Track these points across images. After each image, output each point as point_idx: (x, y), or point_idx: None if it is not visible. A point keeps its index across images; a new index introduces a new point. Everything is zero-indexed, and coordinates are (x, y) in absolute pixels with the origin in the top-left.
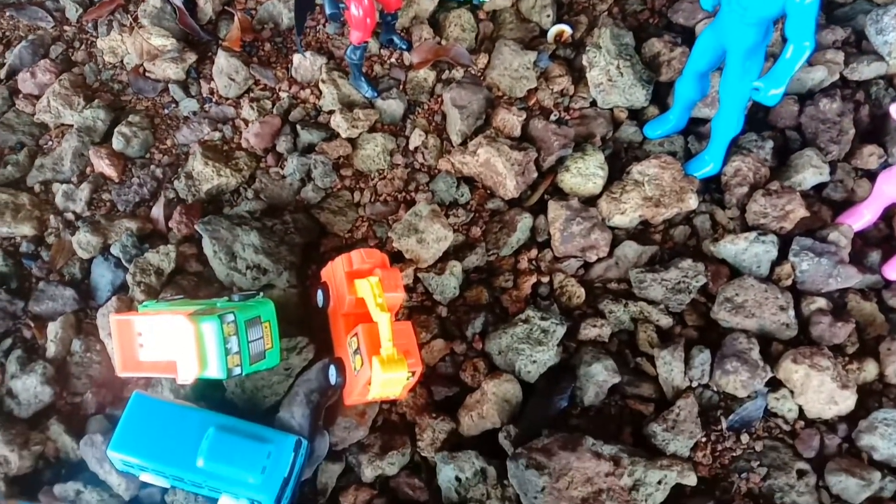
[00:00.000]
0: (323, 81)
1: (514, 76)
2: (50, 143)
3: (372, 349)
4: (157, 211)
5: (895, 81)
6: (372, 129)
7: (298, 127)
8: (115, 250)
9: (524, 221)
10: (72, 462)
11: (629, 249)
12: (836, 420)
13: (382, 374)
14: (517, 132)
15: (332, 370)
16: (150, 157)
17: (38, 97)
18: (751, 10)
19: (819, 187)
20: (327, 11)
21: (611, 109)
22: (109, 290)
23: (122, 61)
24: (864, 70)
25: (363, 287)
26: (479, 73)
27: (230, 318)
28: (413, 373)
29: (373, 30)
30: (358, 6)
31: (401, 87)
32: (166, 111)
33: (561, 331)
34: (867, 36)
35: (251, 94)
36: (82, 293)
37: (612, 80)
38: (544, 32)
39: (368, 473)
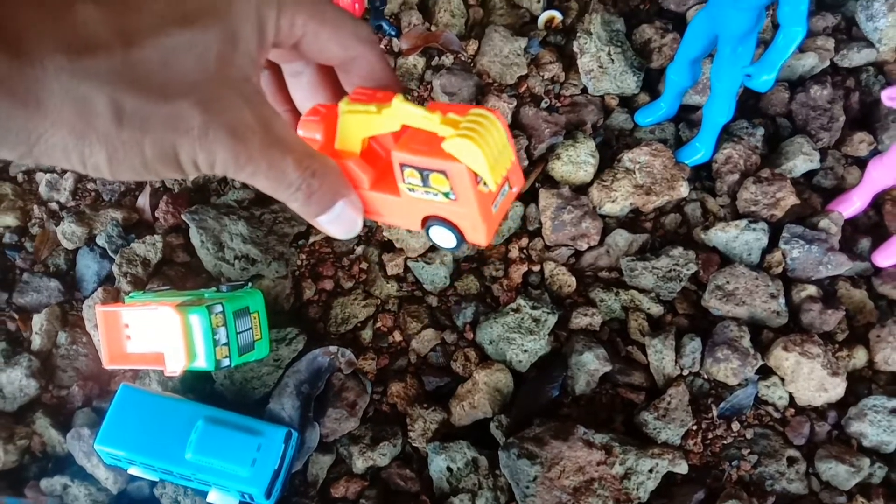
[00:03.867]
0: None
1: (504, 63)
2: None
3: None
4: (143, 200)
5: (885, 68)
6: None
7: None
8: (101, 241)
9: (514, 210)
10: (58, 456)
11: (620, 238)
12: (825, 407)
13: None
14: (508, 119)
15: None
16: None
17: None
18: None
19: (810, 174)
20: None
21: (602, 96)
22: (95, 282)
23: None
24: (855, 57)
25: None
26: (470, 60)
27: (218, 308)
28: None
29: (361, 16)
30: None
31: None
32: None
33: (552, 320)
34: (857, 22)
35: None
36: (67, 284)
37: (602, 67)
38: (535, 18)
39: (360, 465)
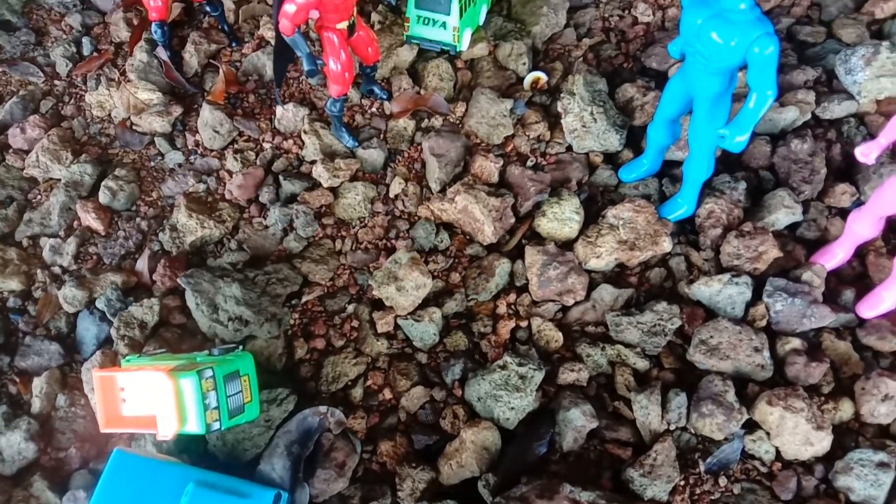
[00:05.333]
0: (305, 132)
1: (491, 123)
2: (38, 197)
3: None
4: (142, 264)
5: (866, 119)
6: (353, 178)
7: (281, 177)
8: (101, 304)
9: (502, 266)
10: None
11: (605, 293)
12: (812, 461)
13: None
14: (495, 178)
15: None
16: (136, 210)
17: (27, 152)
18: (713, 60)
19: (793, 226)
20: (305, 68)
21: (586, 154)
22: (94, 344)
23: (109, 115)
24: (836, 109)
25: None
26: (458, 121)
27: (208, 373)
28: None
29: (352, 83)
30: (336, 61)
31: (381, 136)
32: (152, 164)
33: (539, 376)
34: (837, 75)
35: (235, 146)
36: (68, 347)
37: (586, 126)
38: (521, 80)
39: None
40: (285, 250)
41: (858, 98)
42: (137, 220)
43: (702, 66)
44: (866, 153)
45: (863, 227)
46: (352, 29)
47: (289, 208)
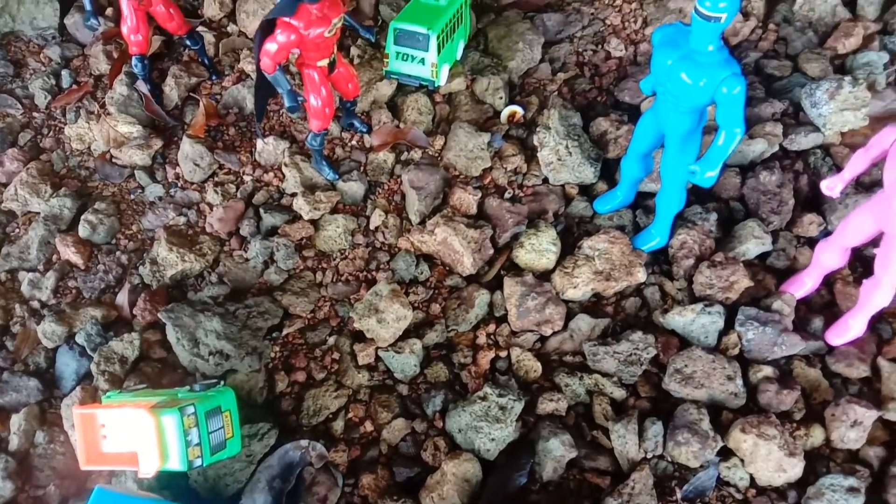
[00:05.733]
0: (286, 165)
1: (469, 157)
2: (17, 230)
3: None
4: (122, 298)
5: (832, 150)
6: (334, 211)
7: (262, 210)
8: (80, 339)
9: (482, 297)
10: None
11: (583, 322)
12: (786, 487)
13: None
14: (473, 210)
15: None
16: (116, 244)
17: (5, 185)
18: (683, 99)
19: (763, 256)
20: (286, 104)
21: (562, 186)
22: (74, 380)
23: (89, 148)
24: (802, 140)
25: None
26: (437, 154)
27: (190, 410)
28: None
29: (332, 118)
30: (317, 98)
31: (361, 168)
32: (132, 197)
33: (518, 407)
34: (803, 108)
35: (216, 179)
36: (47, 383)
37: (561, 160)
38: (498, 113)
39: None
40: (266, 283)
41: (824, 130)
42: (117, 253)
43: (672, 104)
44: (831, 187)
45: (829, 257)
46: (332, 66)
47: (269, 241)
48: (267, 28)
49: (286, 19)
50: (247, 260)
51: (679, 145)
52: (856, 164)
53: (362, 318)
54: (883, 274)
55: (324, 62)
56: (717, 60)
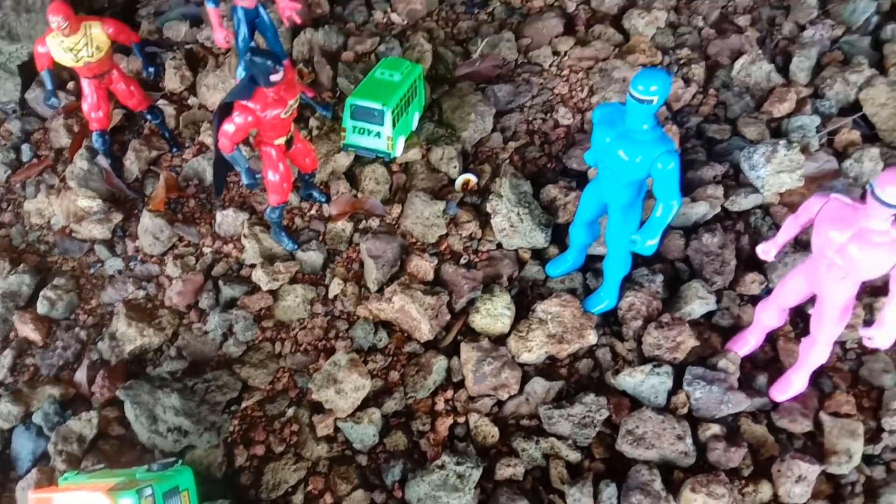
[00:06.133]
0: (245, 236)
1: (425, 224)
2: None
3: None
4: (81, 375)
5: (771, 210)
6: (292, 281)
7: (221, 282)
8: (38, 418)
9: (439, 363)
10: None
11: (538, 385)
12: None
13: None
14: (430, 277)
15: None
16: (75, 319)
17: None
18: (621, 174)
19: (709, 315)
20: (244, 182)
21: (515, 251)
22: (30, 461)
23: (49, 222)
24: (743, 202)
25: None
26: (394, 222)
27: (148, 491)
28: None
29: (290, 192)
30: (275, 173)
31: (320, 238)
32: (92, 271)
33: (476, 474)
34: (742, 170)
35: (175, 251)
36: (2, 465)
37: (513, 226)
38: (452, 181)
39: None
40: (225, 355)
41: (763, 191)
42: (76, 329)
43: (612, 178)
44: (766, 251)
45: (769, 316)
46: (289, 143)
47: (228, 313)
48: (224, 110)
49: (243, 102)
50: (206, 333)
51: (621, 215)
52: (787, 230)
53: (321, 388)
54: (818, 333)
55: (281, 140)
56: (651, 139)
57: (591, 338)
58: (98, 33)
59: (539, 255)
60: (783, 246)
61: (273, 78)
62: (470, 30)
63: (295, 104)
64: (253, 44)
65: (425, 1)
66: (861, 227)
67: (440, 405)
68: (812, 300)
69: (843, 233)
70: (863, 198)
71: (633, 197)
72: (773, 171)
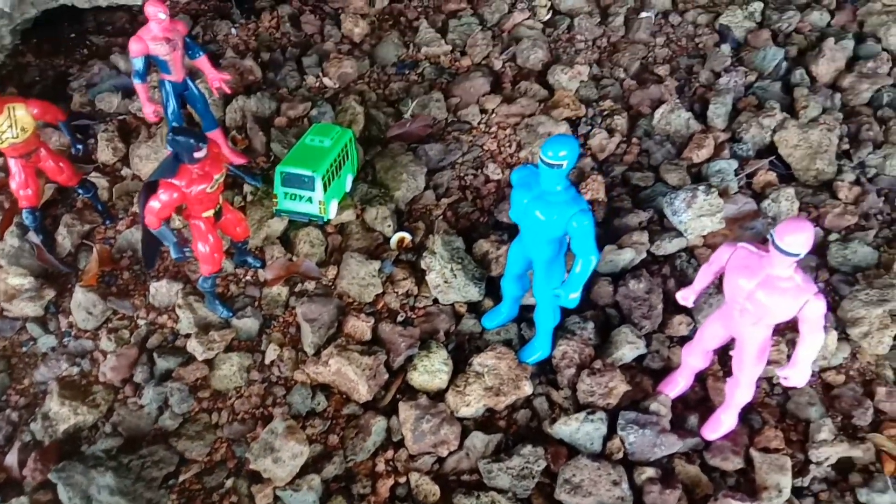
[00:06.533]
0: (179, 306)
1: (361, 284)
2: None
3: None
4: (12, 458)
5: (695, 252)
6: (228, 349)
7: (155, 355)
8: None
9: (378, 424)
10: None
11: (477, 440)
12: None
13: None
14: (367, 336)
15: None
16: (7, 401)
17: None
18: (540, 233)
19: (640, 358)
20: (173, 256)
21: (452, 305)
22: None
23: None
24: (668, 246)
25: None
26: (330, 283)
27: None
28: None
29: (222, 261)
30: (205, 245)
31: (256, 303)
32: (24, 349)
33: None
34: (666, 216)
35: (109, 325)
36: None
37: (448, 282)
38: (387, 240)
39: None
40: (161, 429)
41: (686, 235)
42: (8, 411)
43: (532, 236)
44: (685, 298)
45: (695, 359)
46: (218, 214)
47: (163, 386)
48: (150, 188)
49: (168, 180)
50: (141, 407)
51: (545, 270)
52: (702, 278)
53: (258, 458)
54: (740, 374)
55: (209, 213)
56: (565, 199)
57: (527, 388)
58: (22, 115)
59: (475, 308)
60: (700, 293)
61: (197, 155)
62: (401, 90)
63: (221, 178)
64: (182, 117)
65: (356, 64)
66: (767, 275)
67: (381, 466)
68: (733, 341)
69: (751, 280)
70: (766, 243)
71: (555, 252)
72: (694, 216)
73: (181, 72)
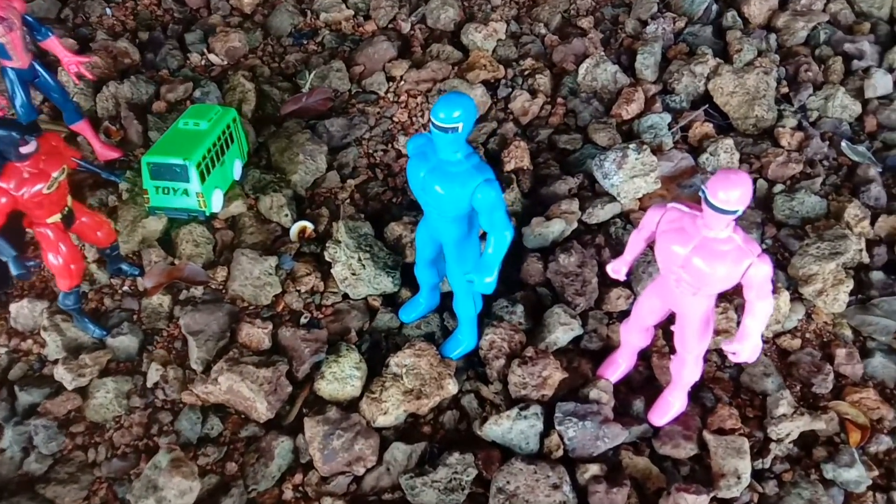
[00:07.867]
0: (45, 328)
1: (256, 284)
2: None
3: None
4: None
5: (632, 217)
6: (103, 373)
7: (17, 387)
8: None
9: (283, 445)
10: None
11: (398, 452)
12: None
13: None
14: (266, 344)
15: None
16: None
17: None
18: (443, 210)
19: (577, 340)
20: (13, 273)
21: (364, 299)
22: None
23: None
24: (600, 213)
25: None
26: (221, 287)
27: None
28: None
29: (82, 273)
30: (56, 255)
31: (135, 318)
32: None
33: None
34: (597, 180)
35: None
36: None
37: (356, 274)
38: (286, 231)
39: None
40: (27, 475)
41: (620, 199)
42: None
43: (436, 214)
44: (617, 270)
45: (635, 337)
46: (68, 219)
47: (26, 425)
48: None
49: None
50: (1, 451)
51: (455, 252)
52: (633, 246)
53: (140, 499)
54: (684, 352)
55: (55, 218)
56: (466, 169)
57: (452, 387)
58: None
59: (391, 301)
60: (632, 262)
61: (24, 150)
62: (299, 62)
63: (61, 176)
64: (35, 110)
65: (245, 38)
66: (703, 238)
67: (288, 494)
68: (673, 316)
69: (685, 245)
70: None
71: (464, 232)
72: (626, 177)
73: (24, 56)
